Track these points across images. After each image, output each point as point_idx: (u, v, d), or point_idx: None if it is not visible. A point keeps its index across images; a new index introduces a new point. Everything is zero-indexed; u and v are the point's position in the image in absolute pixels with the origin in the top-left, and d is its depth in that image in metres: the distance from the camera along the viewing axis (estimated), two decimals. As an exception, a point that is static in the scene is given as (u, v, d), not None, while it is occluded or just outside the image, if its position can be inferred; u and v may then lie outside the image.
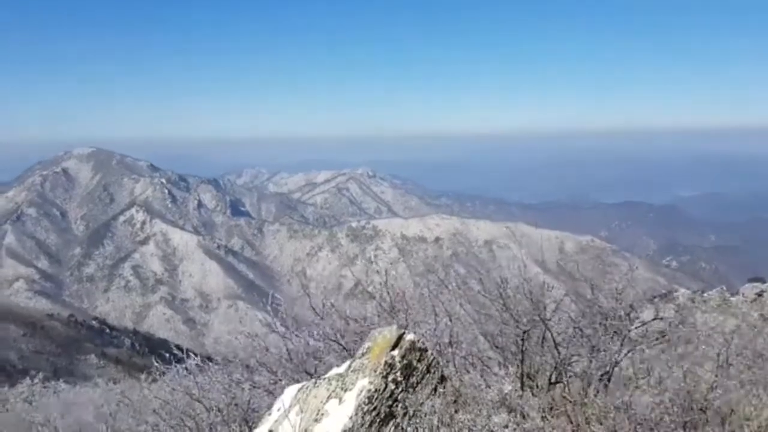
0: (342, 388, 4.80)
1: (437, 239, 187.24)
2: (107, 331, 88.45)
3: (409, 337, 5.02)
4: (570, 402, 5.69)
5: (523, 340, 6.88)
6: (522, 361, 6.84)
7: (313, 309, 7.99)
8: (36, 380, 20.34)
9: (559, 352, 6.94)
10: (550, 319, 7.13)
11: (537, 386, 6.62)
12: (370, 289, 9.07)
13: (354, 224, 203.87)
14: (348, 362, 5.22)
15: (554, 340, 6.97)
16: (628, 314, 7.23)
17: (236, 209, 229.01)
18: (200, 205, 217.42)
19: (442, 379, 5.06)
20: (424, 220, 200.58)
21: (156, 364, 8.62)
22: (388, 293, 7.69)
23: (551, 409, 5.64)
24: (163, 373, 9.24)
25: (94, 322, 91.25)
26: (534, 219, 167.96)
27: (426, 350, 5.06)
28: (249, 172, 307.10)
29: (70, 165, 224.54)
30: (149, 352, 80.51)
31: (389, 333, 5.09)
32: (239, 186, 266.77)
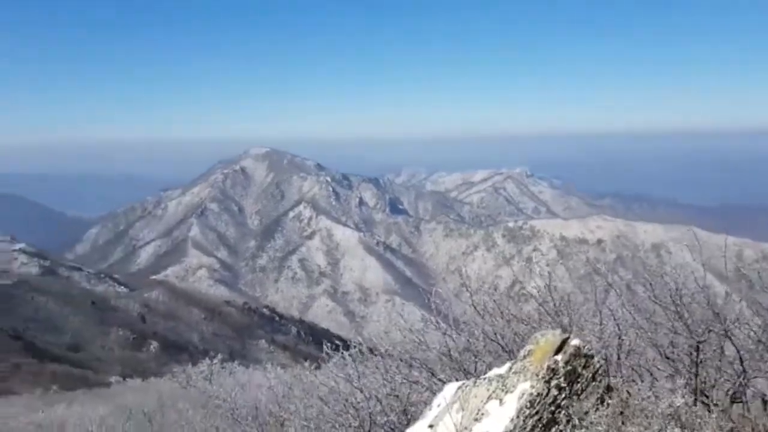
0: (503, 390, 4.80)
1: (599, 241, 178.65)
2: (276, 319, 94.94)
3: (575, 342, 4.90)
4: (751, 423, 5.23)
5: (697, 351, 6.42)
6: (696, 374, 6.39)
7: (474, 307, 8.02)
8: (215, 360, 22.20)
9: (738, 368, 6.39)
10: (729, 331, 6.58)
11: (713, 403, 6.15)
12: (526, 290, 8.91)
13: (511, 224, 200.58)
14: (508, 364, 5.20)
15: (738, 354, 6.43)
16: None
17: (395, 207, 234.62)
18: (361, 202, 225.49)
19: (609, 388, 4.87)
20: (585, 221, 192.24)
21: (326, 351, 9.10)
22: (551, 296, 7.51)
23: (729, 429, 5.22)
24: (328, 361, 9.73)
25: (265, 310, 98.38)
26: (708, 223, 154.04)
27: (592, 357, 4.90)
28: (407, 171, 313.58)
29: (248, 164, 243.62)
30: (313, 341, 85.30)
31: (553, 337, 5.00)
32: (398, 184, 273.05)
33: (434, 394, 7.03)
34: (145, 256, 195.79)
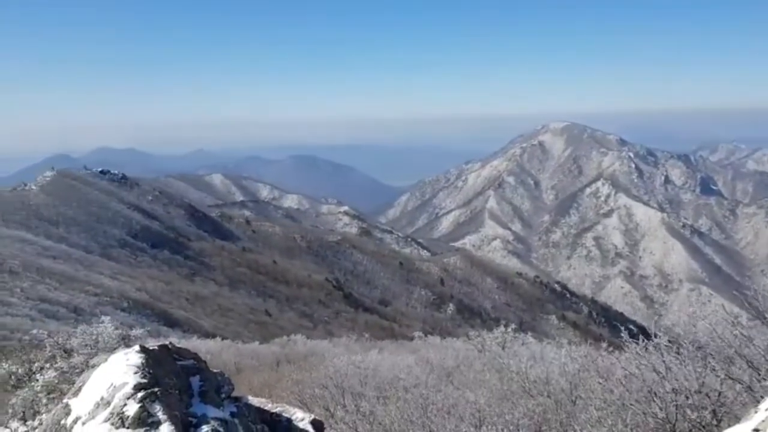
0: None
1: None
2: (567, 295, 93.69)
3: None
4: None
5: None
6: None
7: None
8: (509, 329, 23.04)
9: None
10: None
11: None
12: None
13: None
14: None
15: None
16: None
17: (706, 187, 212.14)
18: (667, 180, 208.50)
19: None
20: None
21: (626, 337, 8.87)
22: None
23: None
24: (627, 347, 9.43)
25: (556, 286, 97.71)
26: None
27: None
28: (725, 147, 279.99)
29: (546, 138, 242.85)
30: (605, 323, 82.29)
31: None
32: (712, 162, 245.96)
33: (756, 396, 6.53)
34: (445, 223, 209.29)
